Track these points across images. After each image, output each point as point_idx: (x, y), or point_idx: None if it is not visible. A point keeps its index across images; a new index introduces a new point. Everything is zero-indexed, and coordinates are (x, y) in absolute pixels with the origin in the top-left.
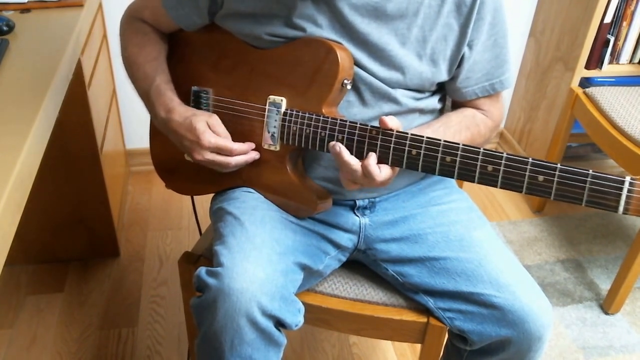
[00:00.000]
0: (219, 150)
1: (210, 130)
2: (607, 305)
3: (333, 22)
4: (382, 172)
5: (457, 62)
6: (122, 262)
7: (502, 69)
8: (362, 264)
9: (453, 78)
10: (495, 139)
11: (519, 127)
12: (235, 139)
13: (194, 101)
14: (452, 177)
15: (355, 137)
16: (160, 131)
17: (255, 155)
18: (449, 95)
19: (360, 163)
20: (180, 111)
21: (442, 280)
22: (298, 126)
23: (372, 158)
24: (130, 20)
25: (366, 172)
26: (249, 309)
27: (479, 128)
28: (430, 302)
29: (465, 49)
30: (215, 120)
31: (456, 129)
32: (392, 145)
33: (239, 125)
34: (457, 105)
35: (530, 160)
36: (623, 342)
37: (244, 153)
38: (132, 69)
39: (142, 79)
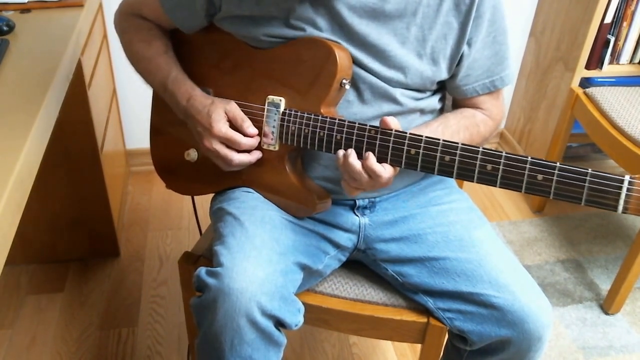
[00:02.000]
0: (228, 142)
1: (225, 120)
2: (607, 305)
3: (332, 24)
4: (386, 169)
5: (456, 60)
6: (122, 262)
7: (502, 66)
8: (362, 264)
9: (453, 76)
10: (495, 139)
11: (519, 127)
12: None
13: None
14: (452, 177)
15: (354, 137)
16: (160, 131)
17: (258, 155)
18: (449, 94)
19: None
20: (202, 100)
21: (442, 281)
22: (297, 126)
23: (372, 157)
24: (129, 18)
25: (371, 173)
26: (248, 309)
27: (479, 128)
28: (430, 302)
29: (465, 47)
30: (233, 106)
31: (454, 129)
32: (390, 145)
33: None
34: (457, 105)
35: (529, 159)
36: (623, 342)
37: (250, 149)
38: (143, 63)
39: (155, 72)
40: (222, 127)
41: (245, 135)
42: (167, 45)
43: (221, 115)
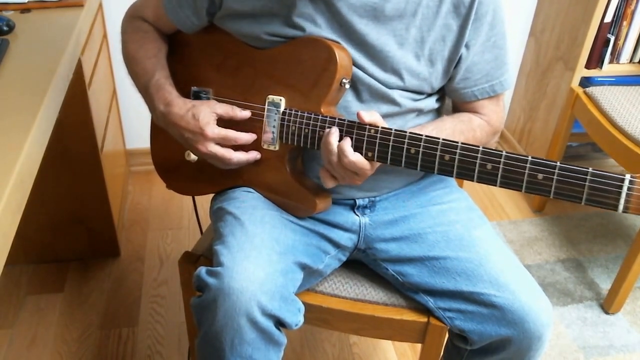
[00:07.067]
0: (224, 140)
1: (214, 120)
2: (608, 304)
3: (331, 22)
4: (356, 155)
5: (454, 63)
6: (122, 262)
7: (501, 70)
8: (362, 263)
9: (451, 78)
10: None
11: (519, 126)
12: None
13: None
14: (451, 176)
15: (354, 136)
16: (160, 131)
17: (256, 155)
18: (448, 97)
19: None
20: (180, 104)
21: (442, 280)
22: (297, 126)
23: (347, 140)
24: (131, 19)
25: (340, 153)
26: (249, 309)
27: (475, 133)
28: (431, 301)
29: (463, 49)
30: (214, 102)
31: (449, 132)
32: (390, 144)
33: (238, 125)
34: (456, 110)
35: (529, 158)
36: (623, 342)
37: (246, 143)
38: (131, 65)
39: (141, 75)
40: (214, 128)
41: (239, 117)
42: (158, 48)
43: (209, 115)
